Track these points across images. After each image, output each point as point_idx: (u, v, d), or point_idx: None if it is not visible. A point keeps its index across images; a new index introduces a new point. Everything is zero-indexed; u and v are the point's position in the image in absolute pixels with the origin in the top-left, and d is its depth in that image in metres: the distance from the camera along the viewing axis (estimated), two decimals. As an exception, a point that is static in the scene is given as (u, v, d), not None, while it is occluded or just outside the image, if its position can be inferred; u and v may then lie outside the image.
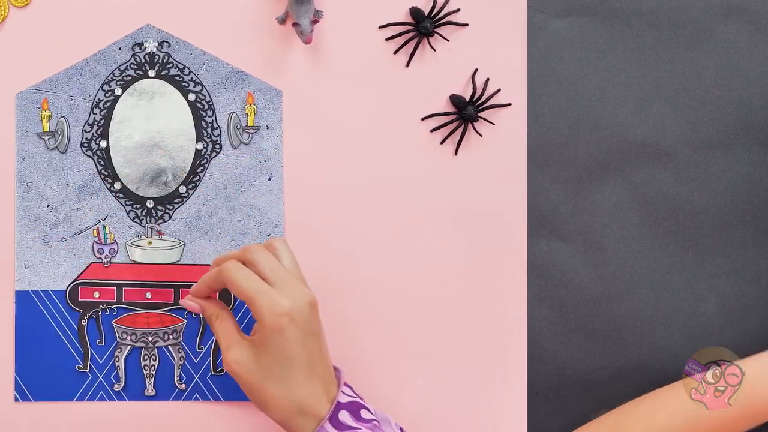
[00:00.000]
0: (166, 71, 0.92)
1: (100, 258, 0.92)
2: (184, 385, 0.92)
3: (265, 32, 0.92)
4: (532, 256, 0.92)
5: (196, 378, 0.92)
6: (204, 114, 0.92)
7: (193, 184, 0.92)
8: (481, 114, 0.92)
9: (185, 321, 0.92)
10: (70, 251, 0.92)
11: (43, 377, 0.91)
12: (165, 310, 0.92)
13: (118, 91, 0.92)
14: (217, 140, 0.92)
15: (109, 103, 0.92)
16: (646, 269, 0.93)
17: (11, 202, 0.92)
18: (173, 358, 0.92)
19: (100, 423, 0.91)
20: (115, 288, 0.92)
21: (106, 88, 0.92)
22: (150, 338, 0.92)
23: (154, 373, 0.92)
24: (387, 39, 0.92)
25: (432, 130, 0.92)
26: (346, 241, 0.92)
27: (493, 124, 0.92)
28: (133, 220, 0.92)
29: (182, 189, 0.92)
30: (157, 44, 0.92)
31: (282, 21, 0.92)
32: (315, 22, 0.90)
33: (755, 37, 0.92)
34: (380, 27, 0.92)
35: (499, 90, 0.92)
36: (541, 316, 0.92)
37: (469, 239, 0.92)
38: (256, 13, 0.92)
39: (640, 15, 0.93)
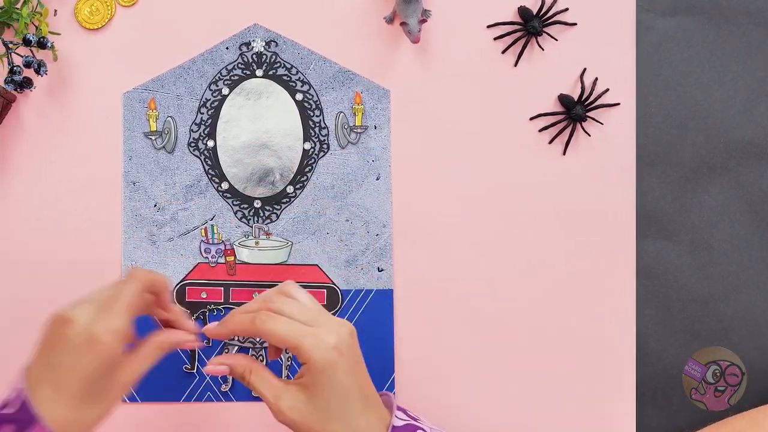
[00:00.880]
0: (274, 71, 0.91)
1: (207, 258, 0.90)
2: (291, 386, 0.90)
3: (373, 32, 0.91)
4: (638, 256, 0.91)
5: (304, 378, 0.90)
6: (311, 114, 0.91)
7: (301, 184, 0.91)
8: (589, 114, 0.90)
9: (293, 321, 0.90)
10: (177, 251, 0.90)
11: (150, 378, 0.88)
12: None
13: (225, 91, 0.91)
14: (324, 140, 0.91)
15: (216, 103, 0.91)
16: (753, 269, 0.91)
17: (118, 202, 0.90)
18: (281, 359, 0.90)
19: (207, 424, 0.90)
20: (222, 288, 0.90)
21: (213, 87, 0.91)
22: (257, 339, 0.90)
23: (261, 373, 0.90)
24: (495, 38, 0.91)
25: (540, 130, 0.91)
26: (454, 240, 0.90)
27: (602, 123, 0.91)
28: (240, 220, 0.91)
29: (290, 189, 0.91)
30: (264, 44, 0.91)
31: (390, 20, 0.90)
32: (423, 21, 0.88)
33: None
34: (488, 26, 0.91)
35: (607, 89, 0.90)
36: (648, 317, 0.91)
37: (577, 239, 0.90)
38: (364, 13, 0.91)
39: (747, 14, 0.91)
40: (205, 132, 0.91)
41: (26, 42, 0.88)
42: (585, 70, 0.90)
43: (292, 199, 0.91)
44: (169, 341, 0.78)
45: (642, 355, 0.91)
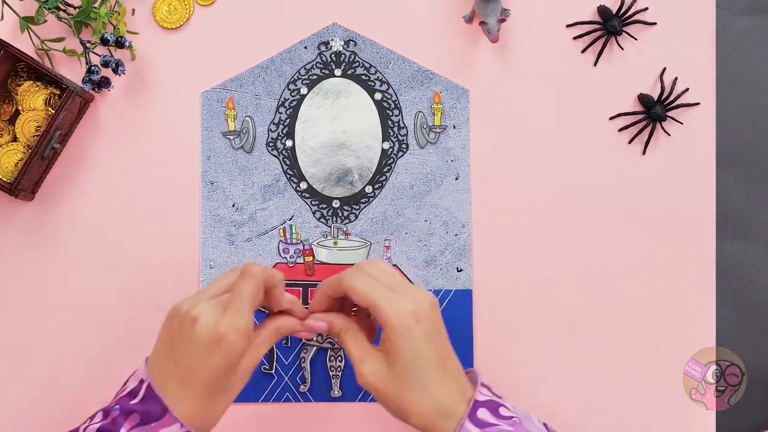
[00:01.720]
0: (353, 70, 0.89)
1: (286, 258, 0.89)
2: (370, 387, 0.88)
3: (452, 31, 0.89)
4: (717, 256, 0.89)
5: (383, 379, 0.88)
6: (390, 113, 0.89)
7: (380, 184, 0.89)
8: (669, 113, 0.89)
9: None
10: (255, 251, 0.89)
11: (228, 378, 0.88)
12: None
13: (303, 90, 0.89)
14: (403, 140, 0.89)
15: (294, 103, 0.89)
16: (831, 269, 0.90)
17: (196, 203, 0.89)
18: (331, 367, 0.89)
19: (286, 424, 0.88)
20: (300, 288, 0.89)
21: (291, 87, 0.89)
22: (336, 339, 0.88)
23: (340, 374, 0.88)
24: (574, 38, 0.89)
25: (620, 130, 0.89)
26: (533, 240, 0.89)
27: (682, 123, 0.89)
28: (318, 220, 0.89)
29: (368, 189, 0.89)
30: (343, 43, 0.89)
31: (469, 20, 0.89)
32: (502, 20, 0.86)
33: None
34: (568, 26, 0.89)
35: (687, 89, 0.89)
36: (726, 317, 0.89)
37: (656, 239, 0.89)
38: (443, 12, 0.89)
39: (826, 13, 0.90)
40: (284, 132, 0.89)
41: (104, 41, 0.86)
42: (665, 69, 0.89)
43: (371, 199, 0.89)
44: (286, 327, 0.77)
45: (720, 355, 0.89)
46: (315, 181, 0.89)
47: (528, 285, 0.89)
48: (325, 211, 0.89)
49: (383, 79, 0.89)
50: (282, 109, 0.89)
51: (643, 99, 0.89)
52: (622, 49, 0.89)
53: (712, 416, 0.88)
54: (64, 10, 0.87)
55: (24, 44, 0.88)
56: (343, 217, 0.89)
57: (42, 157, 0.85)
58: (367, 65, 0.89)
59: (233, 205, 0.89)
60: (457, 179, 0.89)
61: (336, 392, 0.88)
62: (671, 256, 0.89)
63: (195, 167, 0.89)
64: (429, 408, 0.73)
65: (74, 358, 0.88)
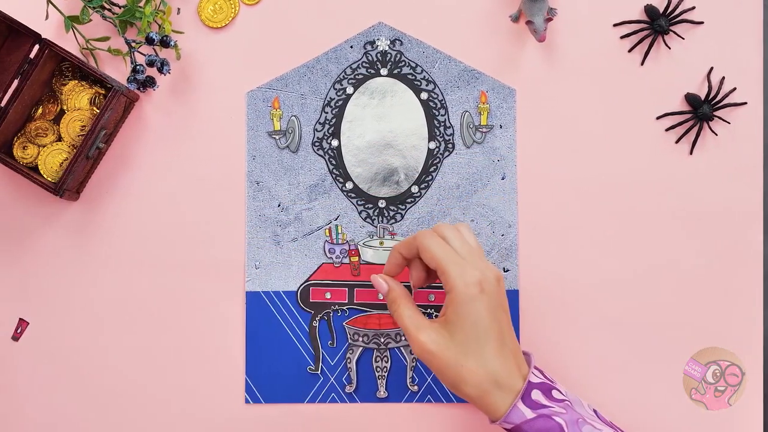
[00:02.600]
0: (399, 70, 0.88)
1: (332, 258, 0.87)
2: (416, 387, 0.87)
3: (498, 30, 0.88)
4: (765, 256, 0.88)
5: (429, 380, 0.87)
6: (437, 113, 0.88)
7: (426, 184, 0.88)
8: (716, 113, 0.87)
9: (418, 322, 0.87)
10: (301, 251, 0.87)
11: (273, 379, 0.87)
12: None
13: (349, 90, 0.88)
14: (449, 139, 0.88)
15: (340, 102, 0.88)
16: None
17: (242, 202, 0.87)
18: (405, 360, 0.87)
19: (331, 425, 0.87)
20: (346, 289, 0.87)
21: (337, 86, 0.88)
22: (382, 339, 0.87)
23: (386, 374, 0.87)
24: (621, 37, 0.87)
25: (667, 129, 0.88)
26: (580, 240, 0.87)
27: (729, 123, 0.88)
28: (364, 220, 0.88)
29: (414, 189, 0.88)
30: (389, 42, 0.88)
31: (515, 19, 0.87)
32: (549, 20, 0.85)
33: None
34: (614, 25, 0.88)
35: (734, 88, 0.87)
36: (772, 317, 0.88)
37: (703, 239, 0.87)
38: (489, 11, 0.88)
39: None
40: (330, 131, 0.88)
41: (149, 41, 0.85)
42: (712, 68, 0.87)
43: (417, 199, 0.88)
44: None
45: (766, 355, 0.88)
46: (361, 181, 0.87)
47: (574, 285, 0.87)
48: (371, 211, 0.88)
49: (429, 79, 0.87)
50: (328, 109, 0.87)
51: (690, 98, 0.87)
52: (669, 48, 0.88)
53: (759, 416, 0.87)
54: (109, 9, 0.86)
55: (69, 43, 0.87)
56: (389, 217, 0.88)
57: (87, 157, 0.84)
58: (413, 65, 0.87)
59: (279, 205, 0.87)
60: (503, 179, 0.87)
61: (382, 393, 0.87)
62: (718, 256, 0.87)
63: (240, 167, 0.87)
64: (485, 378, 0.73)
65: (119, 358, 0.86)
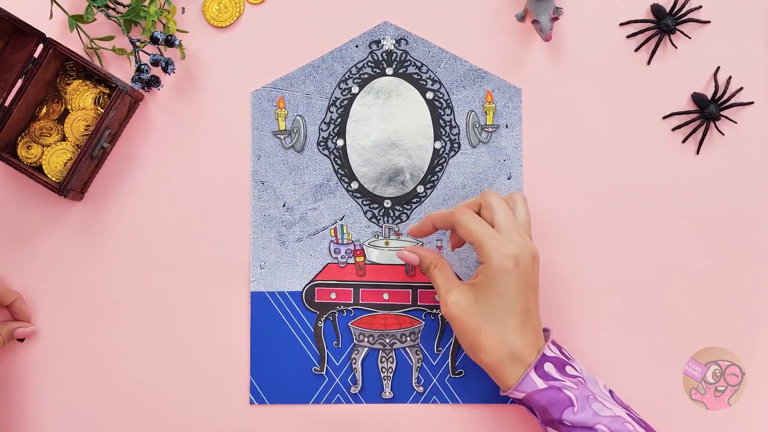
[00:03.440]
0: (404, 69, 0.86)
1: (337, 258, 0.86)
2: (422, 388, 0.86)
3: (504, 29, 0.86)
4: (771, 256, 0.87)
5: (434, 380, 0.85)
6: (442, 112, 0.86)
7: (431, 184, 0.86)
8: (723, 112, 0.86)
9: (423, 322, 0.86)
10: (306, 252, 0.86)
11: (278, 380, 0.85)
12: (403, 312, 0.86)
13: (355, 90, 0.86)
14: (455, 139, 0.86)
15: (345, 102, 0.86)
16: None
17: (247, 202, 0.86)
18: (411, 360, 0.86)
19: (336, 426, 0.85)
20: (351, 289, 0.86)
21: (342, 86, 0.86)
22: (387, 340, 0.86)
23: (391, 375, 0.86)
24: (628, 36, 0.86)
25: (673, 129, 0.86)
26: (585, 240, 0.86)
27: (736, 122, 0.86)
28: (370, 220, 0.86)
29: (420, 188, 0.86)
30: (394, 42, 0.86)
31: (521, 18, 0.86)
32: (555, 19, 0.84)
33: None
34: (621, 24, 0.86)
35: (741, 88, 0.86)
36: (779, 318, 0.86)
37: (710, 239, 0.86)
38: (495, 11, 0.86)
39: None
40: (335, 131, 0.86)
41: (154, 40, 0.83)
42: (719, 68, 0.86)
43: (423, 199, 0.86)
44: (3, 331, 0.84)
45: (774, 356, 0.86)
46: (366, 180, 0.86)
47: (578, 285, 0.86)
48: (376, 211, 0.86)
49: (435, 78, 0.86)
50: (333, 109, 0.86)
51: (696, 98, 0.86)
52: (676, 47, 0.86)
53: None
54: (114, 9, 0.84)
55: (73, 43, 0.85)
56: (394, 217, 0.86)
57: (91, 157, 0.83)
58: (419, 64, 0.86)
59: (284, 205, 0.86)
60: (509, 179, 0.86)
61: (387, 393, 0.85)
62: (724, 256, 0.86)
63: (245, 167, 0.86)
64: (502, 348, 0.75)
65: (124, 358, 0.85)
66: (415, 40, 0.86)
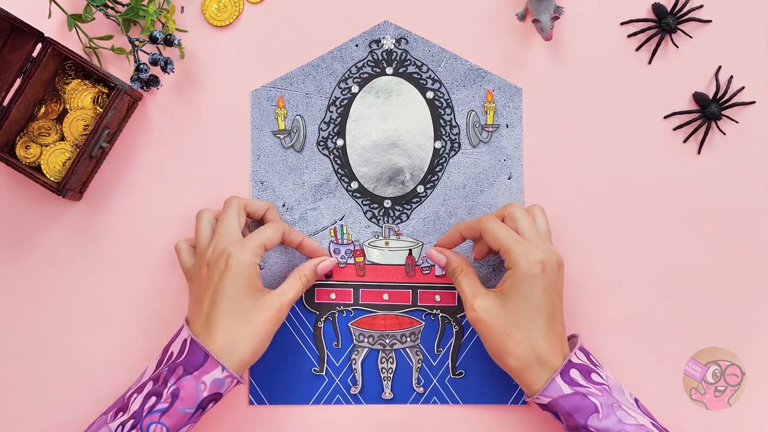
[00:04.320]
0: (404, 68, 0.85)
1: (336, 258, 0.85)
2: (422, 389, 0.84)
3: (505, 29, 0.85)
4: (772, 256, 0.85)
5: (435, 381, 0.84)
6: (442, 112, 0.85)
7: (432, 184, 0.85)
8: (724, 112, 0.85)
9: (423, 323, 0.85)
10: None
11: (278, 380, 0.84)
12: (403, 312, 0.85)
13: (355, 89, 0.85)
14: (455, 139, 0.85)
15: (345, 101, 0.85)
16: None
17: (246, 202, 0.85)
18: (411, 361, 0.85)
19: (336, 426, 0.84)
20: (351, 289, 0.85)
21: (342, 85, 0.85)
22: (387, 340, 0.85)
23: (391, 376, 0.84)
24: (629, 36, 0.85)
25: (674, 129, 0.85)
26: (586, 240, 0.85)
27: (737, 122, 0.85)
28: (370, 220, 0.85)
29: (420, 188, 0.85)
30: (394, 41, 0.85)
31: (522, 17, 0.85)
32: (555, 18, 0.82)
33: None
34: (622, 23, 0.85)
35: (743, 87, 0.85)
36: (781, 318, 0.85)
37: (712, 239, 0.85)
38: (496, 10, 0.85)
39: None
40: (335, 131, 0.85)
41: (153, 39, 0.82)
42: (720, 67, 0.85)
43: (423, 199, 0.85)
44: (307, 271, 0.81)
45: (775, 356, 0.85)
46: (366, 180, 0.85)
47: (581, 284, 0.85)
48: (376, 211, 0.85)
49: (435, 78, 0.85)
50: (333, 108, 0.85)
51: (698, 97, 0.85)
52: (677, 47, 0.85)
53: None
54: (113, 8, 0.83)
55: (72, 42, 0.84)
56: (394, 217, 0.85)
57: (90, 157, 0.82)
58: (419, 63, 0.85)
59: (283, 205, 0.85)
60: (509, 179, 0.85)
61: (387, 394, 0.84)
62: (727, 256, 0.85)
63: (245, 167, 0.85)
64: (529, 353, 0.75)
65: (123, 358, 0.84)
66: (416, 39, 0.85)
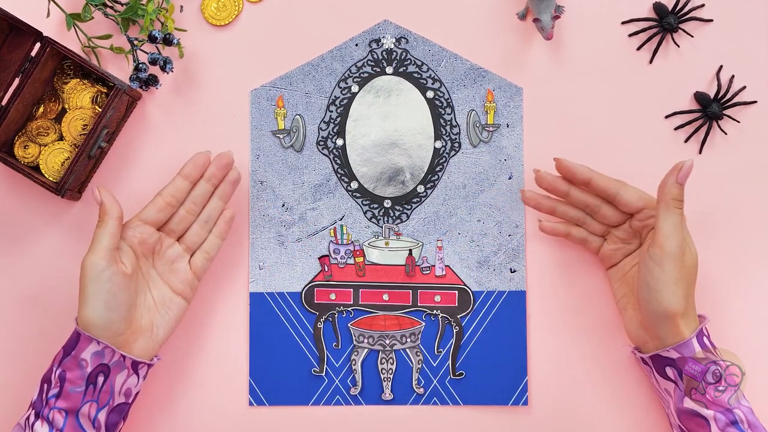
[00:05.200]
0: (404, 68, 0.84)
1: (336, 259, 0.84)
2: (422, 389, 0.83)
3: (505, 28, 0.84)
4: (774, 256, 0.84)
5: (435, 382, 0.83)
6: (443, 111, 0.84)
7: (432, 184, 0.84)
8: (726, 112, 0.84)
9: (423, 323, 0.83)
10: (305, 252, 0.84)
11: (277, 381, 0.83)
12: (403, 312, 0.84)
13: (354, 89, 0.84)
14: (456, 138, 0.84)
15: (345, 101, 0.84)
16: None
17: (246, 202, 0.84)
18: (411, 362, 0.83)
19: (336, 427, 0.83)
20: (351, 290, 0.84)
21: (342, 85, 0.84)
22: (387, 341, 0.83)
23: (391, 377, 0.83)
24: (630, 35, 0.84)
25: (676, 128, 0.84)
26: (587, 241, 0.84)
27: (739, 122, 0.84)
28: (370, 220, 0.84)
29: (420, 188, 0.84)
30: (394, 40, 0.84)
31: (522, 17, 0.84)
32: (556, 17, 0.81)
33: None
34: (623, 23, 0.84)
35: (744, 87, 0.84)
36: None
37: (713, 238, 0.84)
38: (496, 9, 0.84)
39: None
40: (335, 130, 0.84)
41: (152, 39, 0.81)
42: (721, 67, 0.84)
43: (423, 199, 0.84)
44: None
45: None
46: (366, 180, 0.84)
47: (582, 286, 0.83)
48: (376, 211, 0.84)
49: (435, 77, 0.84)
50: (332, 108, 0.84)
51: (699, 97, 0.84)
52: (678, 46, 0.84)
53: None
54: (111, 7, 0.82)
55: (70, 41, 0.83)
56: (394, 217, 0.84)
57: (89, 156, 0.81)
58: (419, 63, 0.84)
59: (283, 205, 0.84)
60: (510, 179, 0.84)
61: (387, 395, 0.83)
62: (728, 256, 0.84)
63: (244, 166, 0.84)
64: (682, 304, 0.74)
65: (122, 360, 0.83)
66: (416, 38, 0.84)
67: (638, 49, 0.84)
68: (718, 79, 0.83)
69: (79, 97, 0.83)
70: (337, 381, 0.83)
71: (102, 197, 0.76)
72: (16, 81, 0.80)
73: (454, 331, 0.83)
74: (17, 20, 0.78)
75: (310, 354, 0.83)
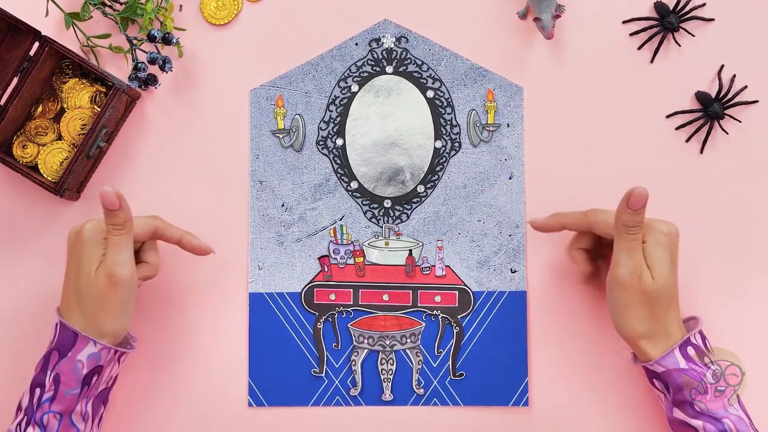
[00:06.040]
0: (404, 67, 0.83)
1: (336, 259, 0.83)
2: (422, 390, 0.82)
3: (506, 27, 0.83)
4: (775, 257, 0.83)
5: (435, 382, 0.82)
6: (443, 111, 0.83)
7: (432, 184, 0.83)
8: (727, 111, 0.83)
9: (424, 324, 0.83)
10: (305, 252, 0.83)
11: (277, 382, 0.82)
12: (403, 313, 0.83)
13: (354, 88, 0.83)
14: (456, 138, 0.83)
15: (345, 100, 0.83)
16: None
17: (245, 202, 0.83)
18: (411, 362, 0.83)
19: (336, 428, 0.82)
20: (351, 290, 0.83)
21: (342, 84, 0.83)
22: (387, 342, 0.83)
23: (391, 377, 0.82)
24: (631, 34, 0.83)
25: (677, 128, 0.83)
26: (588, 241, 0.83)
27: (740, 121, 0.83)
28: (369, 220, 0.83)
29: (420, 188, 0.83)
30: (394, 40, 0.83)
31: (523, 16, 0.83)
32: (557, 16, 0.80)
33: None
34: (624, 22, 0.83)
35: (745, 86, 0.83)
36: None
37: (713, 238, 0.83)
38: (497, 8, 0.83)
39: None
40: (334, 130, 0.83)
41: (151, 38, 0.80)
42: (723, 66, 0.83)
43: (423, 199, 0.83)
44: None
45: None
46: (366, 180, 0.83)
47: (583, 287, 0.82)
48: (376, 211, 0.83)
49: (435, 77, 0.83)
50: (332, 107, 0.83)
51: (700, 97, 0.83)
52: (679, 45, 0.83)
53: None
54: (110, 6, 0.81)
55: (69, 41, 0.82)
56: (394, 217, 0.83)
57: (88, 156, 0.80)
58: (419, 62, 0.83)
59: (282, 205, 0.83)
60: (510, 179, 0.83)
61: (387, 396, 0.82)
62: (730, 256, 0.83)
63: (244, 166, 0.83)
64: (632, 328, 0.74)
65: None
66: (416, 38, 0.83)
67: (639, 48, 0.83)
68: (720, 79, 0.83)
69: (78, 97, 0.82)
70: (336, 382, 0.82)
71: (121, 203, 0.73)
72: (15, 80, 0.79)
73: (455, 331, 0.82)
74: (16, 19, 0.77)
75: (310, 354, 0.82)
